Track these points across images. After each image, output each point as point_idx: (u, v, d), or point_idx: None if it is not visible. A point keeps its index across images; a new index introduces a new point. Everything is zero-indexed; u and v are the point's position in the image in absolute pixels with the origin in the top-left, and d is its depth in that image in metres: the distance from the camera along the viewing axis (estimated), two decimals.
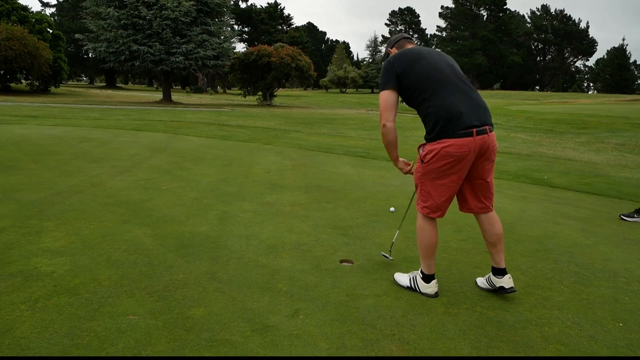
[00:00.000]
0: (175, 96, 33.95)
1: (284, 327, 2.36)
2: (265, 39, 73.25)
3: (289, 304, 2.61)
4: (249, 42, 77.86)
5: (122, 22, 26.37)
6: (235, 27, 70.95)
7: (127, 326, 2.28)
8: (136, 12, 26.40)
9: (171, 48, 27.27)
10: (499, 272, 2.82)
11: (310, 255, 3.41)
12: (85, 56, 56.47)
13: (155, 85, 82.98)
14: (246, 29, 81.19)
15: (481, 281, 2.99)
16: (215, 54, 28.72)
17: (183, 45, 27.27)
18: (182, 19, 26.96)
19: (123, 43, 26.64)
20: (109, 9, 26.41)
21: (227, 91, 73.65)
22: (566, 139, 15.20)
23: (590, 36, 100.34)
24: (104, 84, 65.23)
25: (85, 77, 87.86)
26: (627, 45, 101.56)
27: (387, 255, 3.38)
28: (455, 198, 2.87)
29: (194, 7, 27.52)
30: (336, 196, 5.31)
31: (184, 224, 4.00)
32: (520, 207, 5.20)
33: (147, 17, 26.28)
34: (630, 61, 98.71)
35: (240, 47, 59.50)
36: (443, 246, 3.72)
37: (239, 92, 36.73)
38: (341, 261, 3.33)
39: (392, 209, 4.74)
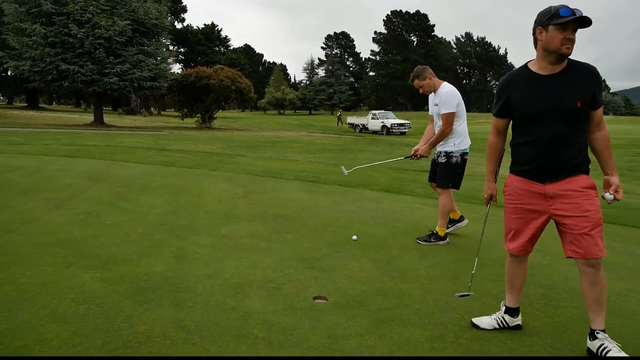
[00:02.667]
0: (107, 118, 32.39)
1: None
2: (202, 60, 72.21)
3: (270, 353, 2.41)
4: (185, 63, 76.54)
5: (50, 39, 24.85)
6: (171, 47, 69.38)
7: None
8: (66, 30, 25.00)
9: (104, 68, 26.03)
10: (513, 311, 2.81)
11: (280, 293, 3.22)
12: (4, 74, 52.80)
13: (83, 107, 79.14)
14: (182, 50, 79.76)
15: (488, 322, 2.81)
16: (152, 75, 27.75)
17: (117, 66, 26.13)
18: (117, 38, 25.90)
19: (50, 62, 25.09)
20: (34, 25, 24.83)
21: (162, 113, 71.60)
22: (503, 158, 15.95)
23: (509, 62, 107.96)
24: (25, 104, 61.15)
25: (2, 96, 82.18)
26: None
27: (468, 293, 3.05)
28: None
29: (130, 27, 26.56)
30: (295, 225, 5.15)
31: (137, 265, 3.67)
32: (475, 229, 5.24)
33: (78, 36, 24.96)
34: None
35: (176, 68, 58.17)
36: (413, 274, 3.66)
37: (176, 114, 35.76)
38: (314, 298, 3.16)
39: (354, 237, 4.67)
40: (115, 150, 13.02)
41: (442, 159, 4.60)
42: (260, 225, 5.12)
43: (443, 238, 4.58)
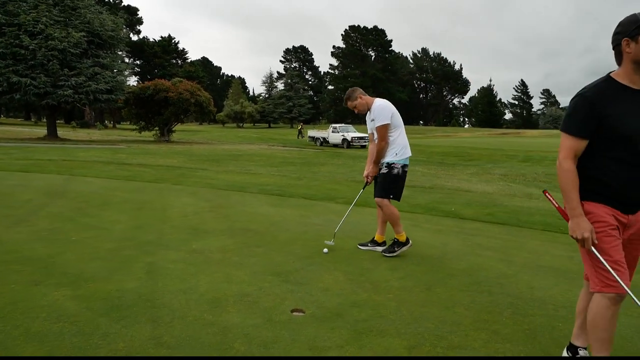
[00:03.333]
0: (60, 131, 31.21)
1: None
2: (159, 73, 71.13)
3: None
4: (142, 76, 75.13)
5: (0, 51, 23.87)
6: (127, 60, 67.89)
7: None
8: (17, 41, 24.05)
9: (58, 80, 25.14)
10: None
11: (257, 307, 3.23)
12: None
13: (33, 119, 75.98)
14: (138, 62, 78.22)
15: None
16: (108, 87, 27.04)
17: (72, 78, 25.30)
18: (72, 50, 25.10)
19: (0, 74, 24.05)
20: None
21: (117, 126, 69.76)
22: (458, 170, 16.52)
23: (464, 77, 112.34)
24: None
25: None
26: (493, 85, 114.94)
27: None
28: None
29: (85, 39, 25.84)
30: (264, 239, 5.16)
31: (108, 281, 3.59)
32: (440, 240, 5.46)
33: (31, 47, 24.06)
34: (497, 99, 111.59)
35: (132, 81, 56.94)
36: (386, 286, 3.75)
37: (132, 127, 34.92)
38: (292, 311, 3.20)
39: (325, 250, 4.74)
40: (72, 164, 12.59)
41: (384, 170, 4.61)
42: (230, 239, 5.10)
43: (406, 243, 4.62)
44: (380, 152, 4.62)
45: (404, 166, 4.61)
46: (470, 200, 8.80)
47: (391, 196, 4.59)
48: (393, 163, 4.57)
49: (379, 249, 4.74)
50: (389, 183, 4.58)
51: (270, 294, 3.48)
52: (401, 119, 4.73)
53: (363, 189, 5.05)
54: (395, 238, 4.65)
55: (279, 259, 4.41)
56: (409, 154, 4.66)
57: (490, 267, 4.38)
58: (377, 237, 4.88)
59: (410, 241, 4.68)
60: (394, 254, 4.58)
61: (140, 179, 10.06)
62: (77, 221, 5.66)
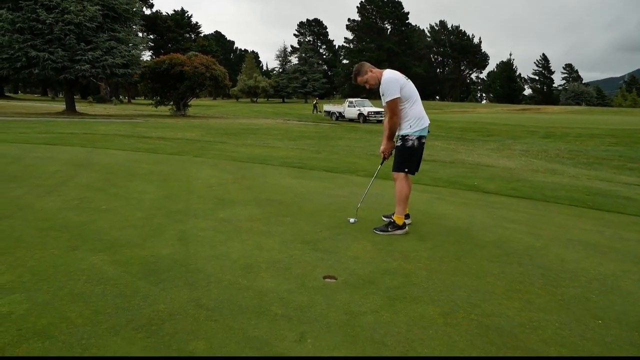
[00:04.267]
0: (78, 106, 31.46)
1: (297, 354, 2.22)
2: (172, 47, 70.81)
3: (291, 329, 2.47)
4: (155, 50, 74.88)
5: (18, 25, 23.87)
6: (140, 34, 67.70)
7: None
8: (34, 16, 24.07)
9: (75, 55, 25.19)
10: None
11: (290, 273, 3.28)
12: None
13: (50, 95, 76.70)
14: (152, 37, 77.87)
15: None
16: (125, 62, 27.04)
17: (89, 52, 25.33)
18: (87, 24, 25.05)
19: (19, 49, 24.13)
20: (0, 11, 23.86)
21: (132, 101, 70.06)
22: (477, 146, 16.33)
23: (483, 51, 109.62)
24: None
25: None
26: (513, 59, 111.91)
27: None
28: None
29: (100, 12, 25.76)
30: (290, 210, 5.20)
31: (142, 248, 3.67)
32: (467, 213, 5.43)
33: (47, 21, 24.07)
34: (517, 74, 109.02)
35: (146, 56, 56.81)
36: (415, 256, 3.77)
37: (147, 101, 35.01)
38: (324, 277, 3.24)
39: (351, 220, 4.76)
40: (94, 137, 12.74)
41: (399, 143, 4.43)
42: (256, 209, 5.15)
43: (401, 227, 4.36)
44: (393, 127, 4.41)
45: (420, 137, 4.36)
46: (492, 175, 8.72)
47: (406, 170, 4.41)
48: (407, 135, 4.34)
49: (407, 221, 4.70)
50: (404, 156, 4.39)
51: (301, 261, 3.52)
52: (414, 89, 4.41)
53: (381, 164, 4.89)
54: (392, 219, 4.44)
55: (307, 228, 4.45)
56: (426, 124, 4.40)
57: (518, 240, 4.36)
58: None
59: (407, 228, 4.43)
60: (385, 233, 4.34)
61: (162, 152, 10.15)
62: (105, 191, 5.76)
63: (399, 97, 4.26)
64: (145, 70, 30.00)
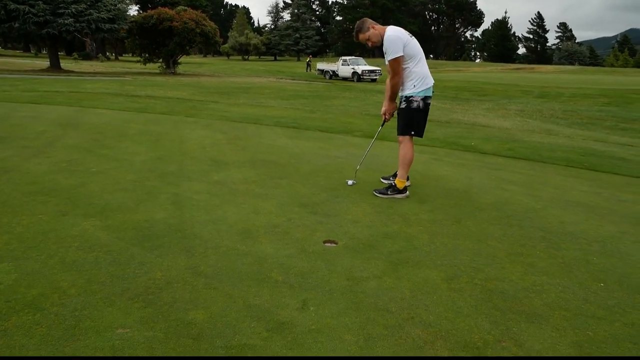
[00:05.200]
0: (63, 63, 30.50)
1: (300, 322, 2.16)
2: (160, 1, 68.19)
3: (293, 296, 2.41)
4: (142, 4, 72.12)
5: None
6: None
7: (121, 343, 1.94)
8: None
9: (58, 8, 24.21)
10: None
11: (289, 238, 3.20)
12: None
13: (33, 51, 74.33)
14: None
15: None
16: (111, 16, 26.06)
17: (72, 6, 24.33)
18: None
19: None
20: None
21: (120, 58, 68.21)
22: (473, 105, 16.16)
23: (478, 8, 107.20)
24: None
25: None
26: (508, 18, 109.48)
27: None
28: None
29: None
30: (286, 171, 5.09)
31: (135, 212, 3.56)
32: (464, 174, 5.36)
33: None
34: (511, 32, 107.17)
35: (132, 10, 54.59)
36: (416, 219, 3.70)
37: (135, 58, 34.00)
38: (324, 242, 3.17)
39: (349, 181, 4.66)
40: (80, 96, 12.37)
41: (403, 104, 4.24)
42: (251, 171, 5.03)
43: (402, 191, 4.26)
44: (395, 87, 4.21)
45: (425, 98, 4.17)
46: (489, 135, 8.63)
47: (412, 132, 4.25)
48: (412, 96, 4.16)
49: (407, 183, 4.59)
50: (409, 118, 4.21)
51: (300, 225, 3.44)
52: (419, 47, 4.18)
53: (382, 125, 4.72)
54: (393, 182, 4.34)
55: (304, 190, 4.35)
56: (431, 83, 4.21)
57: (518, 202, 4.31)
58: None
59: (408, 192, 4.32)
60: (384, 196, 4.24)
61: (152, 111, 9.88)
62: (95, 152, 5.59)
63: (402, 56, 4.04)
64: (133, 26, 28.96)
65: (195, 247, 2.97)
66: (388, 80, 4.32)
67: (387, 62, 4.18)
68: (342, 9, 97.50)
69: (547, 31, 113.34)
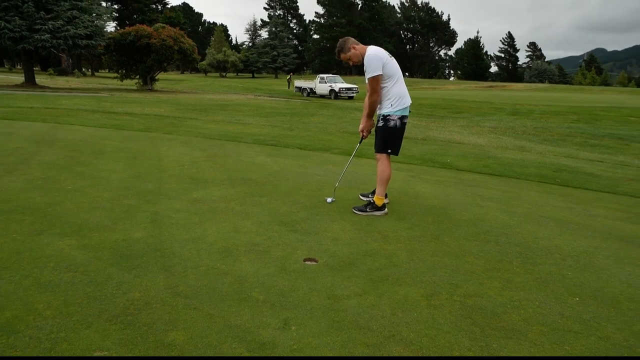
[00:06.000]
0: (38, 79, 30.02)
1: (281, 342, 2.16)
2: (138, 19, 68.04)
3: (274, 315, 2.40)
4: (120, 21, 71.80)
5: None
6: (104, 4, 64.79)
7: None
8: None
9: (34, 24, 23.88)
10: None
11: (269, 256, 3.19)
12: None
13: (7, 66, 73.00)
14: (116, 7, 74.46)
15: None
16: (88, 32, 25.82)
17: (49, 22, 24.04)
18: None
19: None
20: None
21: (96, 73, 67.45)
22: (448, 122, 16.46)
23: (452, 28, 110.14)
24: None
25: None
26: (480, 37, 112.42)
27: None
28: None
29: None
30: (266, 189, 5.09)
31: (113, 231, 3.50)
32: (441, 191, 5.45)
33: None
34: (484, 51, 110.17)
35: (110, 27, 54.23)
36: (395, 236, 3.74)
37: (111, 75, 33.71)
38: (305, 260, 3.17)
39: (328, 199, 4.69)
40: (56, 112, 12.18)
41: (380, 123, 4.32)
42: (231, 189, 5.01)
43: (381, 208, 4.30)
44: (373, 105, 4.29)
45: (402, 117, 4.26)
46: (464, 152, 8.80)
47: (389, 151, 4.33)
48: (389, 115, 4.23)
49: (385, 200, 4.64)
50: (386, 136, 4.29)
51: (280, 244, 3.44)
52: (397, 67, 4.29)
53: (359, 143, 4.79)
54: (372, 199, 4.36)
55: (284, 208, 4.35)
56: (408, 103, 4.30)
57: (494, 218, 4.39)
58: None
59: (387, 209, 4.36)
60: (363, 214, 4.28)
61: (130, 128, 9.79)
62: (71, 170, 5.49)
63: (380, 75, 4.13)
64: (110, 42, 28.77)
65: (174, 266, 2.93)
66: (366, 98, 4.38)
67: (366, 80, 4.26)
68: (319, 27, 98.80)
69: (518, 50, 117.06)
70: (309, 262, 3.15)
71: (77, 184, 4.82)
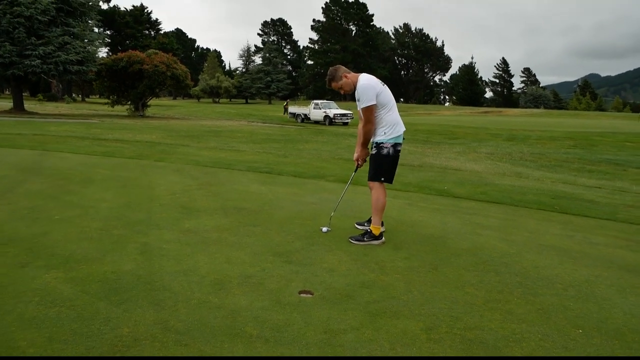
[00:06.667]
0: (26, 104, 29.91)
1: None
2: (130, 44, 68.74)
3: (268, 351, 2.30)
4: (112, 47, 72.37)
5: None
6: (97, 30, 65.41)
7: None
8: None
9: (25, 50, 23.94)
10: None
11: (264, 289, 3.10)
12: None
13: None
14: (108, 32, 75.17)
15: None
16: (79, 58, 25.90)
17: (40, 47, 24.10)
18: (39, 17, 23.84)
19: None
20: None
21: (87, 99, 67.56)
22: (444, 149, 16.56)
23: (446, 54, 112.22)
24: None
25: None
26: (475, 63, 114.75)
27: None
28: None
29: (54, 5, 24.55)
30: (260, 218, 5.00)
31: (102, 263, 3.39)
32: (439, 219, 5.38)
33: None
34: (478, 77, 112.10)
35: (102, 52, 54.56)
36: (392, 266, 3.66)
37: (102, 100, 33.73)
38: (300, 292, 3.08)
39: (324, 229, 4.60)
40: (44, 139, 12.08)
41: (373, 150, 4.28)
42: (224, 218, 4.92)
43: (378, 237, 4.23)
44: (367, 135, 4.26)
45: (396, 145, 4.22)
46: (461, 179, 8.78)
47: (382, 179, 4.28)
48: (382, 143, 4.20)
49: (382, 228, 4.55)
50: (379, 164, 4.25)
51: (275, 275, 3.34)
52: (391, 95, 4.27)
53: (355, 171, 4.74)
54: (369, 228, 4.30)
55: (278, 238, 4.27)
56: (401, 131, 4.27)
57: (493, 247, 4.32)
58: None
59: (384, 238, 4.28)
60: (360, 243, 4.20)
61: (120, 155, 9.70)
62: (59, 199, 5.39)
63: (374, 105, 4.10)
64: (102, 68, 28.85)
65: (164, 300, 2.83)
66: (360, 127, 4.35)
67: (359, 109, 4.23)
68: (313, 53, 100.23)
69: (512, 76, 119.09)
70: (304, 295, 3.05)
71: (64, 214, 4.71)
